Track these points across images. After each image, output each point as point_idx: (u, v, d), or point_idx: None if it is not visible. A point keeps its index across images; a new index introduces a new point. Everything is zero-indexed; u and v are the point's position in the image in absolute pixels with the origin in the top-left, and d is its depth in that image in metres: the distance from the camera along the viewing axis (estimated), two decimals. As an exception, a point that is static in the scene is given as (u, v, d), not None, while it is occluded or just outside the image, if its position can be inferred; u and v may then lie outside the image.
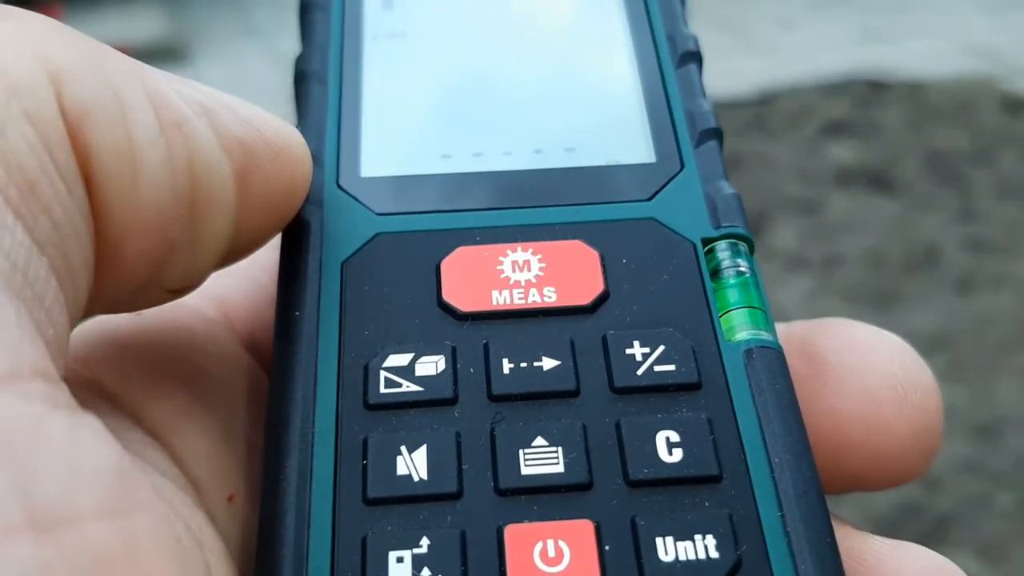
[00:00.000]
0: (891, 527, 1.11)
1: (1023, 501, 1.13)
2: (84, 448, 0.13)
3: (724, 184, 0.20)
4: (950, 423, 1.24)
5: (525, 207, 0.19)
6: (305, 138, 0.20)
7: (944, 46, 1.96)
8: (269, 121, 0.18)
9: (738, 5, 2.06)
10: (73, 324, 0.15)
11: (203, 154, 0.16)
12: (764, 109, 1.82)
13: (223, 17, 2.06)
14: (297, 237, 0.19)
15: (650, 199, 0.19)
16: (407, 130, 0.21)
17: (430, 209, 0.20)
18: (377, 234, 0.19)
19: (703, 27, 0.24)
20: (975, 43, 1.97)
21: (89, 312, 0.17)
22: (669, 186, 0.20)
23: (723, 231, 0.19)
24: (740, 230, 0.19)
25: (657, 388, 0.17)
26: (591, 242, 0.19)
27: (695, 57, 0.22)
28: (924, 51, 1.95)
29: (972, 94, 1.84)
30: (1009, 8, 2.04)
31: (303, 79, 0.22)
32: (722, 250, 0.19)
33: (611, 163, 0.20)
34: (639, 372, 0.17)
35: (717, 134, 0.20)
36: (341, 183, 0.20)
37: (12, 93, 0.14)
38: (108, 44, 0.16)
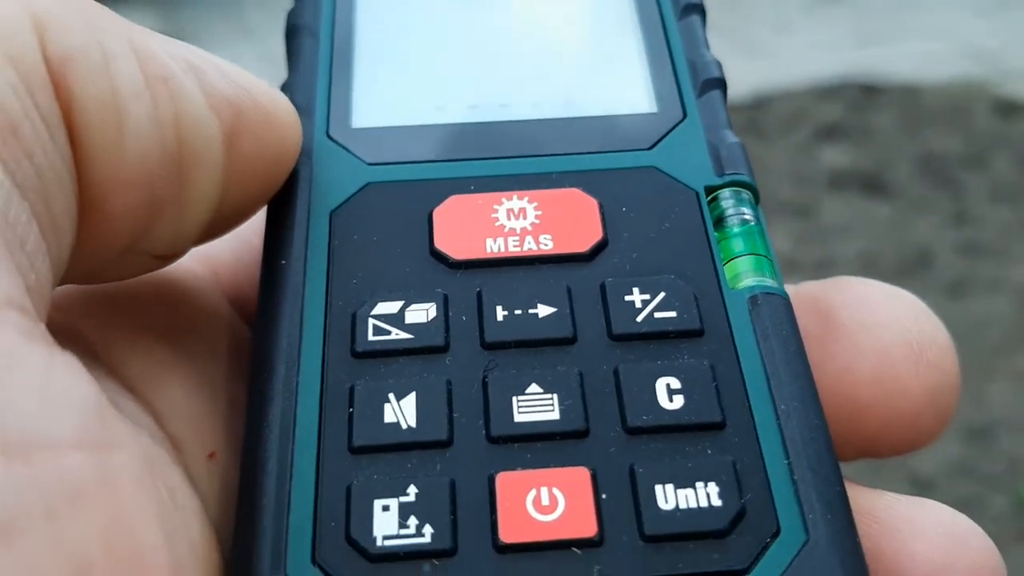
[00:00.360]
0: (884, 529, 1.11)
1: (1016, 504, 1.13)
2: (60, 380, 0.12)
3: (727, 133, 0.19)
4: (943, 425, 1.24)
5: (521, 156, 0.19)
6: (295, 89, 0.20)
7: (938, 49, 1.96)
8: (258, 84, 0.17)
9: (732, 8, 2.07)
10: (56, 278, 0.15)
11: (190, 110, 0.16)
12: (758, 112, 1.82)
13: (216, 19, 2.06)
14: (285, 187, 0.19)
15: (651, 148, 0.19)
16: (400, 81, 0.21)
17: (422, 159, 0.19)
18: (368, 183, 0.19)
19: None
20: (969, 46, 1.98)
21: (73, 276, 0.16)
22: (671, 135, 0.19)
23: (727, 179, 0.19)
24: (744, 178, 0.19)
25: (657, 335, 0.17)
26: (590, 190, 0.18)
27: (698, 9, 0.21)
28: (918, 54, 1.96)
29: (966, 97, 1.84)
30: (1003, 11, 2.05)
31: (294, 33, 0.21)
32: (726, 198, 0.18)
33: (611, 113, 0.20)
34: (639, 319, 0.17)
35: (720, 84, 0.20)
36: (331, 134, 0.19)
37: None
38: None
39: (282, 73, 0.22)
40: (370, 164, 0.19)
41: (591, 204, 0.18)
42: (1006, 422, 1.24)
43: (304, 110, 0.19)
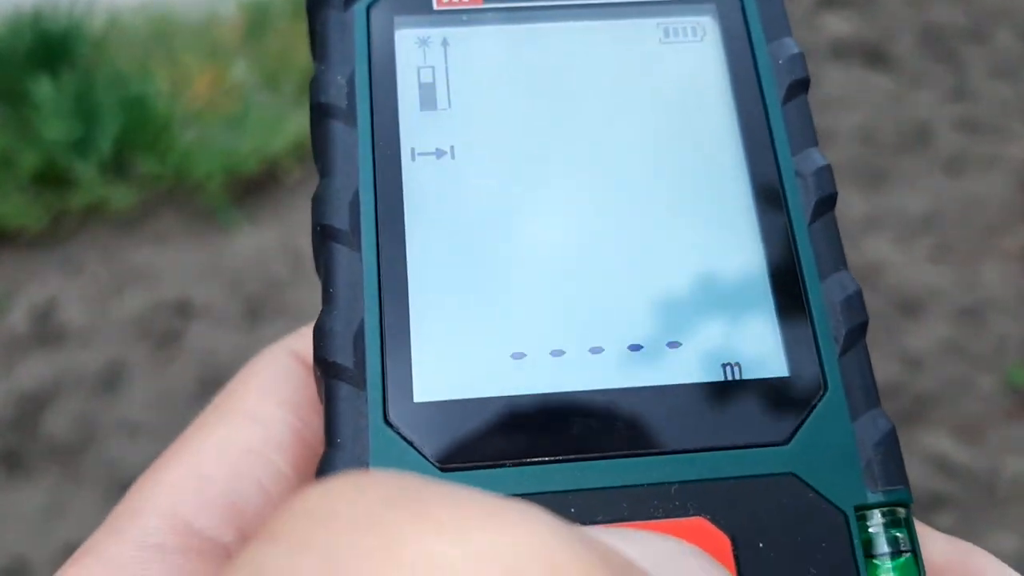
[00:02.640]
0: (875, 407, 1.14)
1: (1002, 384, 1.16)
2: None
3: (879, 415, 0.16)
4: (934, 305, 1.26)
5: (625, 456, 0.15)
6: (335, 342, 0.15)
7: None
8: None
9: None
10: None
11: None
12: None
13: None
14: None
15: (787, 441, 0.15)
16: (466, 319, 0.16)
17: (498, 462, 0.15)
18: None
19: None
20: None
21: None
22: (810, 420, 0.15)
23: (881, 497, 0.15)
24: (902, 495, 0.15)
25: None
26: (718, 519, 0.14)
27: (832, 202, 0.17)
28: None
29: (971, -34, 1.81)
30: None
31: (328, 238, 0.16)
32: (878, 523, 0.15)
33: (731, 377, 0.16)
34: None
35: (864, 330, 0.16)
36: (390, 418, 0.15)
37: None
38: None
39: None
40: (440, 468, 0.15)
41: (722, 543, 0.14)
42: (996, 302, 1.26)
43: (356, 380, 0.15)
